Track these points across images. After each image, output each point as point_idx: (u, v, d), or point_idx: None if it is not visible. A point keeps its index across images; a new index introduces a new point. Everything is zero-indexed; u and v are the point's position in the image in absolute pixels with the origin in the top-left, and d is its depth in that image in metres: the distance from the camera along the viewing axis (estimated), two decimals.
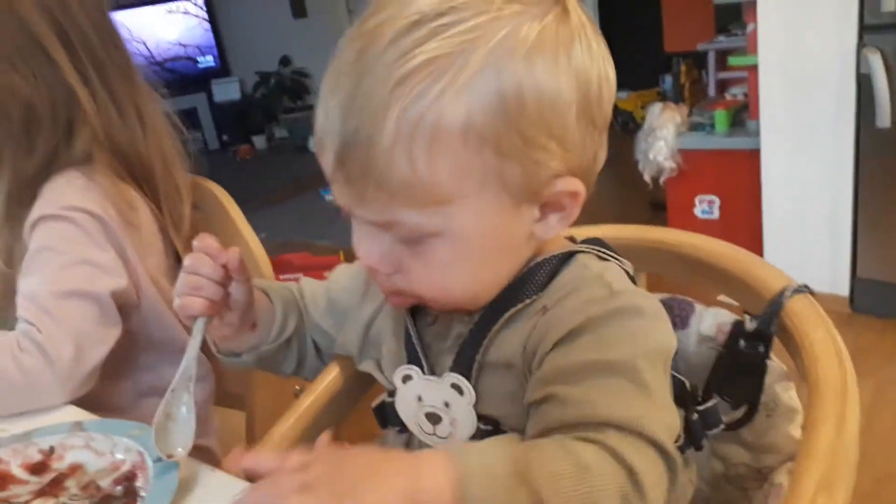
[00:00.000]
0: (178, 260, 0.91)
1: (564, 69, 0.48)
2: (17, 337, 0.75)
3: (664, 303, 0.65)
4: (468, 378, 0.54)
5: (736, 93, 2.61)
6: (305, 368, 0.71)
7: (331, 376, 0.70)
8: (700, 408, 0.57)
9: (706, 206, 2.49)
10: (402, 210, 0.48)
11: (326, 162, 0.49)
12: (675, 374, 0.60)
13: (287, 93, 5.89)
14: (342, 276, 0.70)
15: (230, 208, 0.96)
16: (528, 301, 0.53)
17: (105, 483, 0.61)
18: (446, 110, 0.45)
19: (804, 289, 0.59)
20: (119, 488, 0.60)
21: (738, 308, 0.64)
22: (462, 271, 0.52)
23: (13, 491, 0.62)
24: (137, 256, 0.86)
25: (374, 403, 0.65)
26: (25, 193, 0.84)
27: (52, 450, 0.65)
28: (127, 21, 5.77)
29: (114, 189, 0.85)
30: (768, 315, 0.58)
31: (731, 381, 0.62)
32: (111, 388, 0.87)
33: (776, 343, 0.59)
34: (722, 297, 0.67)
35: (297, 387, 1.00)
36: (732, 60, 2.43)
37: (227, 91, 6.07)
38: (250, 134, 6.03)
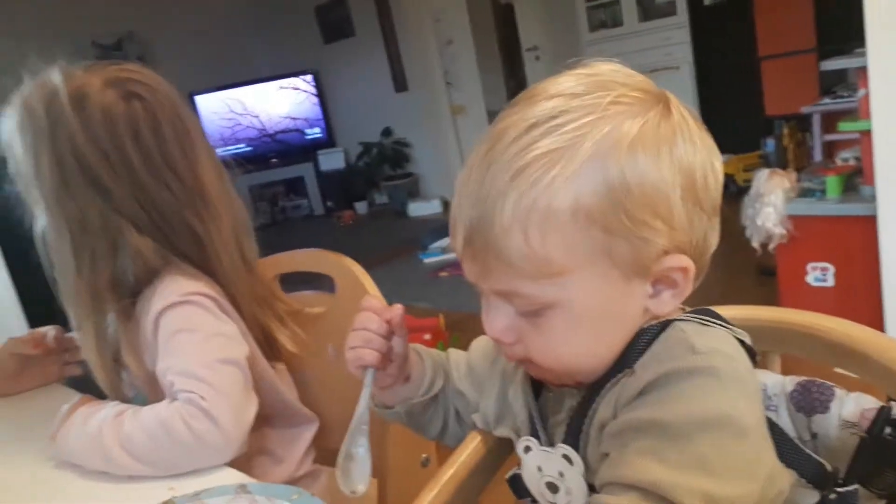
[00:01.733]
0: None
1: (667, 160, 0.52)
2: (180, 406, 0.82)
3: (803, 385, 0.66)
4: (577, 448, 0.57)
5: (847, 157, 2.53)
6: (448, 432, 0.75)
7: (471, 447, 0.73)
8: (840, 489, 0.57)
9: (819, 273, 2.40)
10: (521, 281, 0.53)
11: (457, 242, 0.56)
12: (814, 456, 0.61)
13: (388, 161, 6.15)
14: (480, 341, 0.75)
15: (365, 283, 1.04)
16: (627, 371, 0.55)
17: None
18: (557, 195, 0.50)
19: None
20: None
21: (856, 381, 0.64)
22: (576, 342, 0.55)
23: None
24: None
25: (508, 475, 0.69)
26: (111, 293, 0.91)
27: None
28: (242, 97, 6.25)
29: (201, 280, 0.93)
30: None
31: (875, 470, 0.60)
32: None
33: None
34: (839, 369, 0.67)
35: (423, 455, 1.05)
36: (843, 126, 2.37)
37: (332, 160, 6.37)
38: (352, 200, 6.29)
